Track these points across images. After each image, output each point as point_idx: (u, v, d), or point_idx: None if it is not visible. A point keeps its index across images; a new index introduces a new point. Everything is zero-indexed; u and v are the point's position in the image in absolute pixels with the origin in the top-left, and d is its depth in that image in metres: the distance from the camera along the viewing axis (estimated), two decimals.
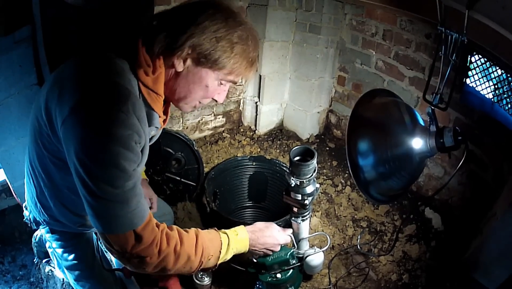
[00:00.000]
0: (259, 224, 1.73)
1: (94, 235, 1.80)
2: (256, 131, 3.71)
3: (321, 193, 2.99)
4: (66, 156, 1.16)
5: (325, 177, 3.16)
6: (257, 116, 3.66)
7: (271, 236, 1.71)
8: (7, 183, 2.30)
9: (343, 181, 3.09)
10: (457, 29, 1.63)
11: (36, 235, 2.28)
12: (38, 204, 1.51)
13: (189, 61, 1.25)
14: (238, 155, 3.30)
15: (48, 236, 1.69)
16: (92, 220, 1.17)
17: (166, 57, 1.24)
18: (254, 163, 2.99)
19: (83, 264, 1.74)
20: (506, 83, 2.01)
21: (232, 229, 1.60)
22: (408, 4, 2.03)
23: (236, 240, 1.56)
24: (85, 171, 1.09)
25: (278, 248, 1.76)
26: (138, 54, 1.21)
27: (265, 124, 3.71)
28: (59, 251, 1.72)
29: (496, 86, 2.10)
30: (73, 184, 1.17)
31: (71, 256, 1.72)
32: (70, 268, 1.76)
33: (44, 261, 2.25)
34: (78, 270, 1.76)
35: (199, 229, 1.44)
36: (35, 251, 2.29)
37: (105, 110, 1.09)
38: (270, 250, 1.74)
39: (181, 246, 1.31)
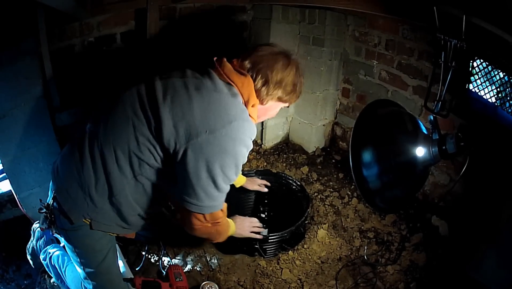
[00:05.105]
0: (238, 220, 2.26)
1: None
2: (262, 145, 3.71)
3: (328, 205, 2.98)
4: (191, 160, 1.51)
5: (331, 189, 3.15)
6: (263, 130, 3.67)
7: (243, 229, 2.25)
8: (12, 194, 2.32)
9: (349, 193, 3.08)
10: (456, 35, 1.63)
11: (29, 247, 2.29)
12: (99, 200, 1.66)
13: (271, 101, 1.74)
14: (244, 169, 3.30)
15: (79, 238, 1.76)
16: (195, 204, 1.61)
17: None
18: (260, 177, 2.99)
19: (113, 268, 1.89)
20: (508, 86, 2.01)
21: (229, 220, 2.12)
22: (408, 12, 2.04)
23: (232, 229, 2.13)
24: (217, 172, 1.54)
25: (247, 235, 2.28)
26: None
27: (271, 138, 3.72)
28: (91, 253, 1.80)
29: (498, 89, 2.10)
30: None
31: (101, 258, 1.81)
32: (94, 275, 1.82)
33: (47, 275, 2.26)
34: (105, 276, 1.85)
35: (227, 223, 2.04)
36: (32, 263, 2.30)
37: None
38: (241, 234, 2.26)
39: (217, 231, 1.92)
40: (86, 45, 2.46)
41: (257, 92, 1.68)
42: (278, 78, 1.67)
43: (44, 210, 1.77)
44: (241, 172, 2.50)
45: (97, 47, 2.54)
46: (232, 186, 2.56)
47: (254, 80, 1.66)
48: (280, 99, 1.75)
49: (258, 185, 2.73)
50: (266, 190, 2.71)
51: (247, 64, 1.67)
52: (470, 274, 2.01)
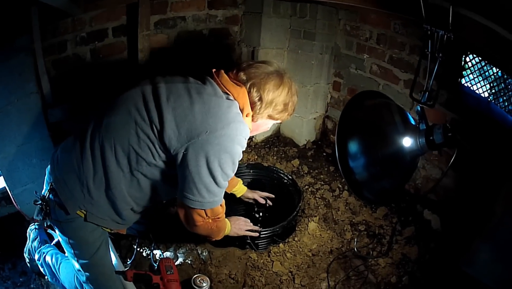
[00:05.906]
0: (233, 219, 2.31)
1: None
2: (253, 138, 3.70)
3: (319, 198, 2.99)
4: (192, 159, 1.60)
5: (322, 182, 3.16)
6: None
7: (238, 228, 2.29)
8: (7, 191, 2.32)
9: (340, 186, 3.09)
10: (444, 26, 1.65)
11: (26, 249, 2.29)
12: (95, 193, 1.71)
13: (261, 119, 1.82)
14: None
15: (74, 231, 1.79)
16: (197, 200, 1.69)
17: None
18: (251, 171, 2.99)
19: (105, 260, 1.93)
20: (501, 81, 2.01)
21: (226, 220, 2.17)
22: (398, 6, 2.04)
23: (228, 227, 2.19)
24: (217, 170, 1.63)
25: (242, 234, 2.32)
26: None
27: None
28: (84, 245, 1.83)
29: (491, 84, 2.10)
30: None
31: (93, 250, 1.84)
32: (87, 266, 1.85)
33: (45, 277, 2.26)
34: (97, 268, 1.88)
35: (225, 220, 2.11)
36: (30, 266, 2.30)
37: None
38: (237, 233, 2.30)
39: (218, 228, 1.98)
40: (79, 40, 2.46)
41: (252, 104, 1.76)
42: (269, 98, 1.75)
43: (40, 202, 1.80)
44: (242, 183, 2.61)
45: (90, 42, 2.54)
46: (233, 196, 2.59)
47: (249, 93, 1.74)
48: (270, 117, 1.84)
49: (259, 196, 2.68)
50: (263, 201, 2.68)
51: (242, 76, 1.75)
52: (463, 268, 2.03)
